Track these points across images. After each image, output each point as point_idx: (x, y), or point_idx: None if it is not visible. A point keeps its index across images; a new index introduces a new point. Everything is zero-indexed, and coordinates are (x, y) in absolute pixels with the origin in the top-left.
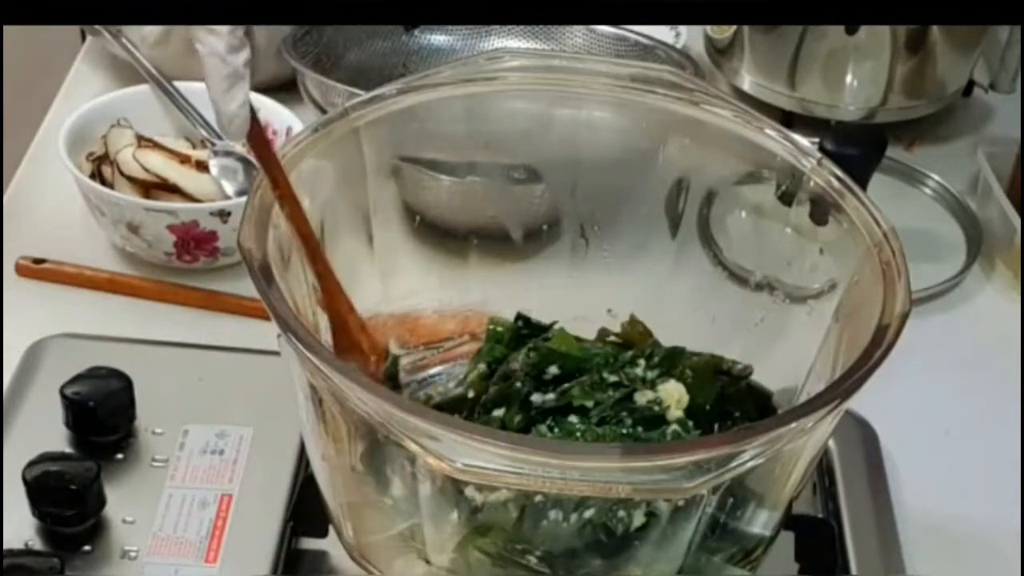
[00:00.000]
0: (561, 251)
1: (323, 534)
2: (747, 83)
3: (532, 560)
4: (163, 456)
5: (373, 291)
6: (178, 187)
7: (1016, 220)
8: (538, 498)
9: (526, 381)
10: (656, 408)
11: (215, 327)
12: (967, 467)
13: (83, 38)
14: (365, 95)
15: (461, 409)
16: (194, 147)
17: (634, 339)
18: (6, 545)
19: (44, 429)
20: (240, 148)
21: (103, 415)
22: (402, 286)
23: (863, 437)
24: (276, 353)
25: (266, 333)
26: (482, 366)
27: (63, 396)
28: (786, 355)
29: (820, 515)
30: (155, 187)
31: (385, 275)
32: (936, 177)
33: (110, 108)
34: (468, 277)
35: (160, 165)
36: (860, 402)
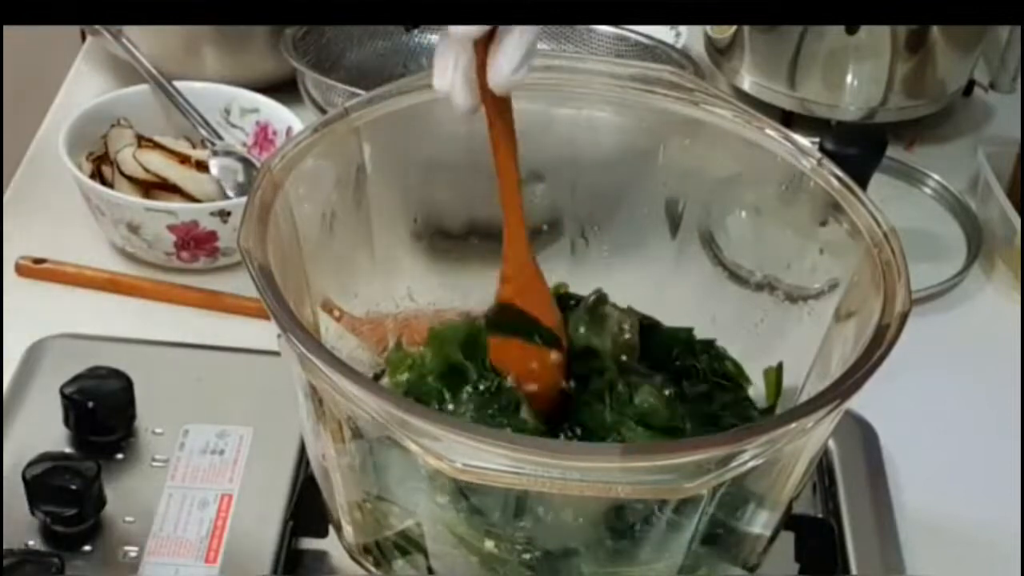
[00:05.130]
0: (561, 251)
1: (323, 534)
2: (747, 83)
3: (532, 560)
4: (163, 456)
5: (373, 291)
6: (178, 187)
7: (1016, 220)
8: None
9: None
10: None
11: (215, 327)
12: (967, 467)
13: (83, 38)
14: (365, 95)
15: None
16: (194, 147)
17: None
18: (6, 545)
19: (44, 429)
20: (240, 148)
21: (103, 415)
22: (402, 286)
23: (863, 437)
24: (276, 353)
25: (266, 333)
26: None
27: (63, 396)
28: (786, 355)
29: (820, 515)
30: (155, 187)
31: (385, 275)
32: (936, 177)
33: (110, 108)
34: (468, 277)
35: (160, 165)
36: (860, 402)
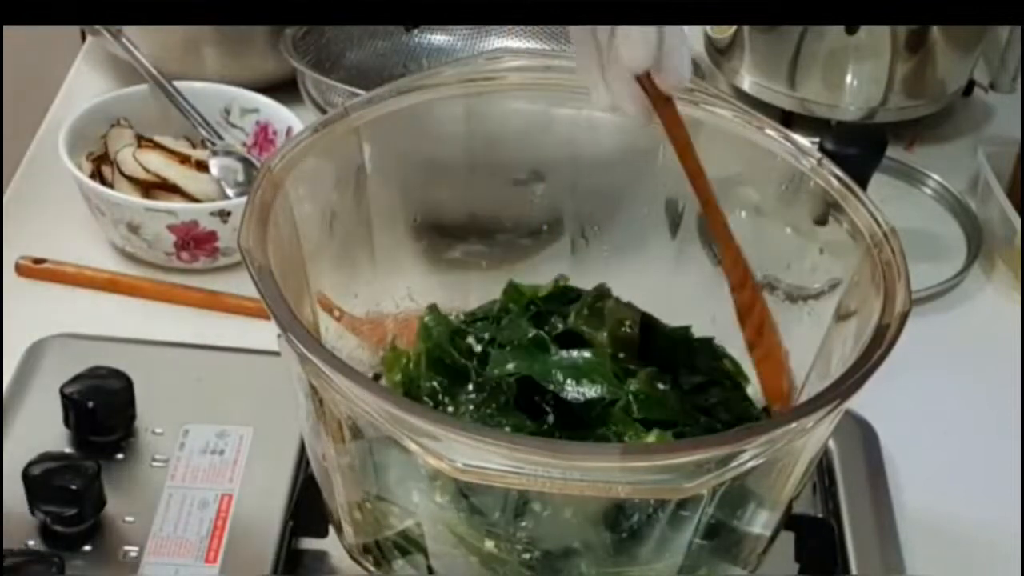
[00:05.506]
0: (561, 251)
1: (323, 534)
2: (747, 83)
3: (532, 560)
4: (163, 456)
5: (373, 291)
6: (178, 187)
7: (1016, 220)
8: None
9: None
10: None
11: (215, 327)
12: (967, 467)
13: (83, 38)
14: (365, 95)
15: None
16: (194, 147)
17: None
18: (6, 545)
19: (44, 429)
20: (240, 148)
21: (103, 415)
22: (402, 286)
23: (863, 437)
24: (276, 353)
25: (266, 333)
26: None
27: (63, 396)
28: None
29: (820, 515)
30: (155, 187)
31: (385, 275)
32: (936, 177)
33: (110, 108)
34: (468, 277)
35: (160, 165)
36: (860, 402)
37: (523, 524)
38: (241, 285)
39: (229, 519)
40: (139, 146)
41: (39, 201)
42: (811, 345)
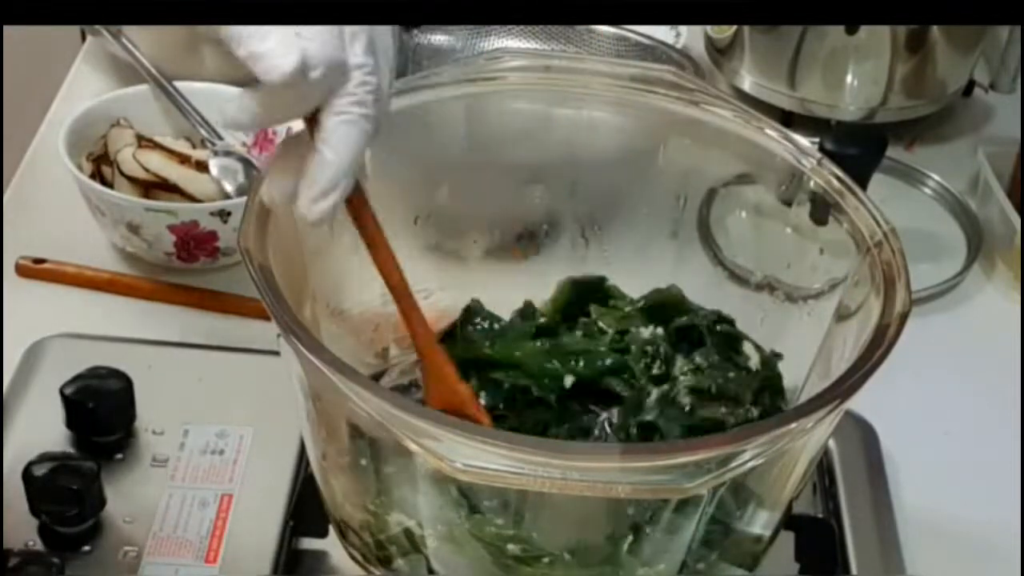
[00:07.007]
0: (561, 251)
1: (323, 534)
2: (747, 83)
3: (532, 559)
4: (163, 456)
5: (373, 291)
6: (178, 187)
7: (1016, 220)
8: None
9: None
10: None
11: (215, 327)
12: (967, 467)
13: (83, 38)
14: None
15: None
16: (194, 147)
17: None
18: (6, 545)
19: (44, 429)
20: (240, 148)
21: (103, 415)
22: None
23: (863, 437)
24: (276, 353)
25: (266, 333)
26: None
27: (63, 396)
28: (786, 355)
29: (820, 515)
30: (155, 187)
31: None
32: (936, 177)
33: (110, 108)
34: (468, 277)
35: (160, 165)
36: (860, 402)
37: (523, 524)
38: (241, 285)
39: (229, 519)
40: (139, 146)
41: (39, 201)
42: (811, 345)
